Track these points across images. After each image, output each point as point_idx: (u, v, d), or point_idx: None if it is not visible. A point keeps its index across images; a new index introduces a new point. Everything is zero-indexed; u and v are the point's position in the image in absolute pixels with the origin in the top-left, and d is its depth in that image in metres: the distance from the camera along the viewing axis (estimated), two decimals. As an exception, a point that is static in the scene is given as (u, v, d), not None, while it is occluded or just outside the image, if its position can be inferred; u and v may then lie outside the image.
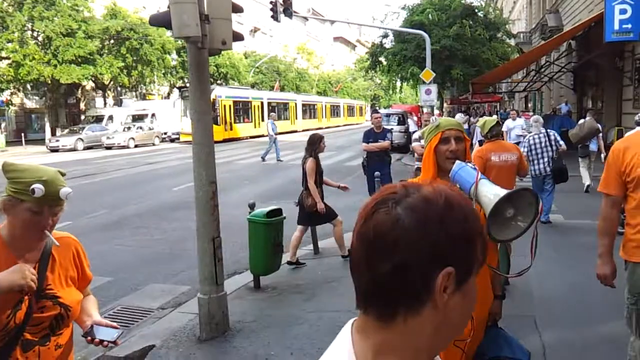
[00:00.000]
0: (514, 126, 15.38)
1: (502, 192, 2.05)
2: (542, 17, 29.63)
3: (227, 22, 4.76)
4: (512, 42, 28.11)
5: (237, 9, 5.10)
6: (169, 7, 4.52)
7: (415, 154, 8.73)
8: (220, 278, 5.07)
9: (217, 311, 5.00)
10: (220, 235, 5.08)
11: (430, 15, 22.83)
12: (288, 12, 19.10)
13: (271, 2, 18.96)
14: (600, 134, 11.87)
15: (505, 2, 44.53)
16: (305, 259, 7.49)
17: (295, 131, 43.98)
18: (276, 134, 21.41)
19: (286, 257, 7.01)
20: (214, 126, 27.39)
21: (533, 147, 7.76)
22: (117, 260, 7.59)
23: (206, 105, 5.00)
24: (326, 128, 54.61)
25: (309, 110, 52.56)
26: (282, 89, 54.07)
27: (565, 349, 4.22)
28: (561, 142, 8.14)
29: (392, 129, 12.60)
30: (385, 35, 25.91)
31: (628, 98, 16.27)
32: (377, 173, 8.53)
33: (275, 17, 19.05)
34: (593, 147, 11.50)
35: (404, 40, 23.69)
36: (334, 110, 62.28)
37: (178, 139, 33.34)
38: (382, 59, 26.13)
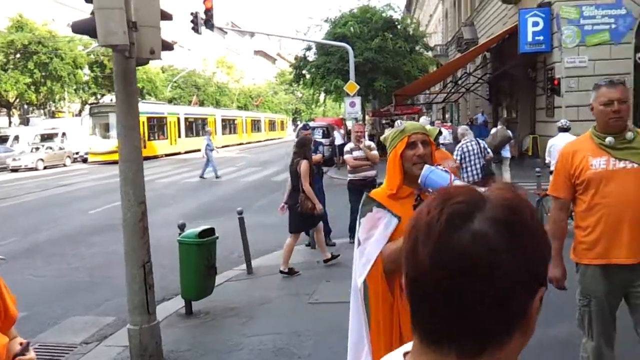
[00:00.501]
0: None
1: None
2: (457, 30, 30.86)
3: (155, 30, 4.42)
4: (430, 54, 29.05)
5: (166, 17, 4.75)
6: (92, 13, 4.11)
7: (348, 166, 8.62)
8: (152, 306, 4.66)
9: (150, 342, 4.58)
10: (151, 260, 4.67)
11: (352, 27, 23.10)
12: (210, 24, 18.65)
13: (192, 14, 18.46)
14: (512, 141, 12.57)
15: (422, 16, 46.17)
16: (239, 279, 7.15)
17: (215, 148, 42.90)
18: (211, 150, 20.73)
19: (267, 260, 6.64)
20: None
21: (467, 154, 7.89)
22: (31, 293, 6.87)
23: (134, 119, 4.59)
24: (247, 143, 54.00)
25: (229, 125, 51.46)
26: (201, 104, 52.99)
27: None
28: (489, 150, 8.35)
29: (321, 142, 12.44)
30: (309, 48, 25.98)
31: (541, 107, 17.10)
32: (310, 186, 8.33)
33: (196, 30, 18.54)
34: (505, 153, 12.05)
35: (327, 52, 23.82)
36: (255, 125, 61.75)
37: (89, 158, 31.71)
38: (305, 72, 26.16)
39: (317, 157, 8.49)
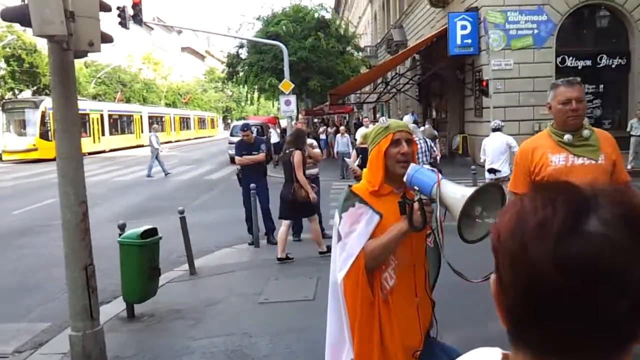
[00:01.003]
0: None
1: (469, 190, 1.99)
2: (387, 32, 31.47)
3: (94, 22, 4.17)
4: (360, 55, 29.47)
5: (105, 8, 4.52)
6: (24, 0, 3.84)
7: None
8: (96, 311, 4.42)
9: (94, 348, 4.35)
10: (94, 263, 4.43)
11: (284, 26, 23.05)
12: (138, 18, 18.03)
13: (118, 9, 17.75)
14: (437, 139, 13.25)
15: (351, 17, 46.69)
16: (182, 280, 6.94)
17: (142, 145, 41.01)
18: (157, 147, 19.93)
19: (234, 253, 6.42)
20: (45, 142, 24.51)
21: (418, 152, 8.11)
22: (-47, 300, 6.40)
23: (73, 114, 4.33)
24: (176, 141, 52.65)
25: (157, 123, 49.96)
26: (127, 101, 51.14)
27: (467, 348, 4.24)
28: (435, 149, 8.59)
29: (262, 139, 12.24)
30: (241, 46, 25.68)
31: (470, 107, 17.75)
32: (252, 185, 8.24)
33: (124, 24, 17.85)
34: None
35: (260, 51, 23.63)
36: (184, 123, 60.31)
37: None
38: (239, 69, 25.83)
39: (259, 156, 8.39)
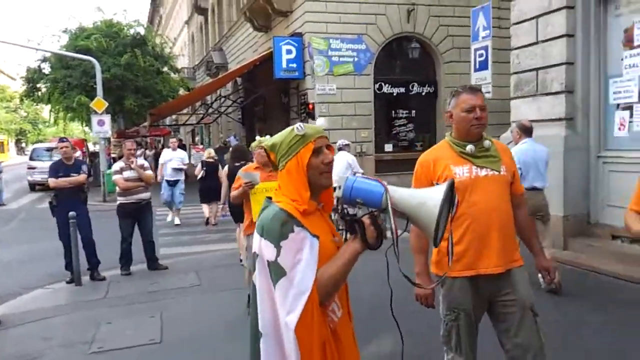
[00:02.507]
0: (171, 158, 12.27)
1: (435, 191, 1.76)
2: (206, 54, 30.85)
3: None
4: (177, 77, 28.40)
5: None
6: None
7: (118, 189, 7.56)
8: None
9: None
10: None
11: (95, 41, 21.19)
12: None
13: None
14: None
15: (166, 37, 45.11)
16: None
17: None
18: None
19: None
20: None
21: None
22: None
23: None
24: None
25: None
26: None
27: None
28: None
29: (85, 160, 10.75)
30: (44, 60, 22.94)
31: (295, 131, 17.89)
32: (72, 213, 7.04)
33: None
34: None
35: (67, 66, 21.35)
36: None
37: None
38: (41, 85, 23.04)
39: (80, 177, 7.22)
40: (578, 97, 6.70)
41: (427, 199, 1.73)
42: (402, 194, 1.75)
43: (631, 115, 6.27)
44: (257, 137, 5.58)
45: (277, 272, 1.68)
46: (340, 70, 16.22)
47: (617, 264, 5.89)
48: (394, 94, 16.86)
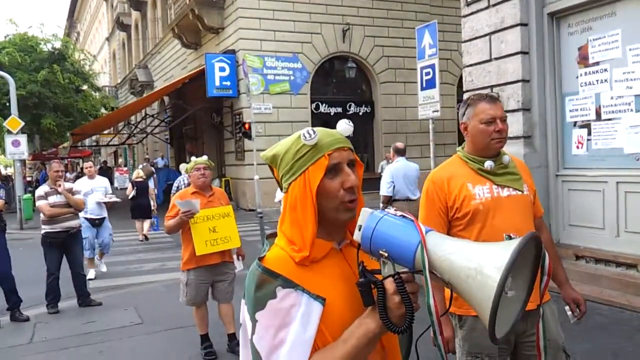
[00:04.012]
0: (91, 188, 8.41)
1: (496, 251, 1.03)
2: (129, 71, 29.60)
3: None
4: (98, 95, 26.94)
5: None
6: None
7: (42, 216, 6.69)
8: None
9: None
10: None
11: (7, 55, 19.64)
12: None
13: None
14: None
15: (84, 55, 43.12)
16: None
17: None
18: None
19: None
20: None
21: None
22: None
23: None
24: None
25: None
26: None
27: None
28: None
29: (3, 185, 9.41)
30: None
31: (230, 150, 17.27)
32: (-14, 245, 6.13)
33: None
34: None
35: (-26, 81, 19.62)
36: None
37: None
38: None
39: (-2, 204, 6.35)
40: (535, 115, 6.63)
41: (485, 264, 1.02)
42: (448, 250, 1.09)
43: (589, 133, 6.25)
44: (193, 158, 4.88)
45: (254, 356, 1.14)
46: (276, 89, 15.87)
47: (583, 284, 5.77)
48: (331, 114, 16.67)
